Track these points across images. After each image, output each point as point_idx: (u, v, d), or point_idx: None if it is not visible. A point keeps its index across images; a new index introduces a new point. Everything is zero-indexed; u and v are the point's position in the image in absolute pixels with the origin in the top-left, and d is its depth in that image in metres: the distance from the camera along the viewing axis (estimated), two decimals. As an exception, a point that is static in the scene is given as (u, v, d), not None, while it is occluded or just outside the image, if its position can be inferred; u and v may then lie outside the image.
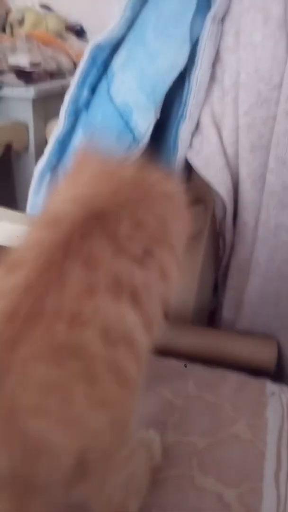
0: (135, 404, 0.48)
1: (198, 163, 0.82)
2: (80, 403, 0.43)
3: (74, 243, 0.46)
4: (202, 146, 0.82)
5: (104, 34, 0.79)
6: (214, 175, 0.82)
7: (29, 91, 1.41)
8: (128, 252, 0.50)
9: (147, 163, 0.61)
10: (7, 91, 1.42)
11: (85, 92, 0.81)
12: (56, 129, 0.83)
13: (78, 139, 0.82)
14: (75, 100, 0.82)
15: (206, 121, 0.83)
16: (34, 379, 0.41)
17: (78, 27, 2.05)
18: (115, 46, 0.80)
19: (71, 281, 0.45)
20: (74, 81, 0.81)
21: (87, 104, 0.84)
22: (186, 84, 0.81)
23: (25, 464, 0.41)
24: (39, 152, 1.49)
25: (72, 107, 0.82)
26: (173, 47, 0.78)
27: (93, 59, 0.79)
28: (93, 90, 0.84)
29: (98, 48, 0.79)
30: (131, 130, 0.78)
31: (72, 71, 1.65)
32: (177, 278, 0.57)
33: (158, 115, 0.79)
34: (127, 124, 0.78)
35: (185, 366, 0.52)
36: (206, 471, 0.64)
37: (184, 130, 0.81)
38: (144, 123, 0.78)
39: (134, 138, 0.78)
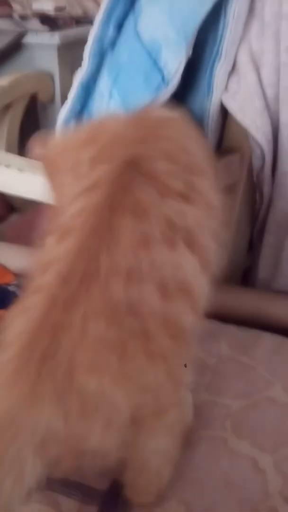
0: (190, 354, 0.48)
1: (234, 106, 0.75)
2: (137, 359, 0.43)
3: (117, 197, 0.46)
4: (239, 87, 0.75)
5: None
6: (252, 119, 0.75)
7: (54, 37, 1.33)
8: (173, 189, 0.49)
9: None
10: (31, 38, 1.35)
11: (111, 30, 0.74)
12: (79, 72, 0.76)
13: (104, 82, 0.76)
14: (100, 39, 0.75)
15: (243, 59, 0.75)
16: (92, 338, 0.41)
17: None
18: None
19: (123, 236, 0.44)
20: (98, 18, 0.74)
21: (113, 43, 0.77)
22: (222, 19, 0.73)
23: (81, 421, 0.41)
24: (64, 102, 1.44)
25: (97, 46, 0.75)
26: None
27: (118, -7, 0.72)
28: (120, 27, 0.76)
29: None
30: (160, 70, 0.71)
31: (99, 17, 1.57)
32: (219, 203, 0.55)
33: (190, 53, 0.71)
34: (155, 63, 0.71)
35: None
36: (240, 435, 0.61)
37: (219, 69, 0.73)
38: (174, 61, 0.71)
39: (163, 78, 0.71)
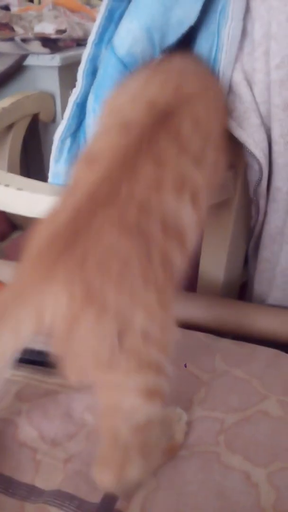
0: (172, 300, 0.54)
1: (231, 123, 0.76)
2: (135, 278, 0.50)
3: (144, 145, 0.54)
4: (234, 105, 0.76)
5: (122, -15, 0.74)
6: (249, 135, 0.76)
7: (55, 59, 1.36)
8: (189, 151, 0.58)
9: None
10: (32, 60, 1.38)
11: (103, 50, 0.76)
12: (74, 92, 0.78)
13: (90, 99, 0.77)
14: (92, 58, 0.77)
15: (237, 78, 0.76)
16: (105, 242, 0.49)
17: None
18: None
19: (142, 175, 0.53)
20: (90, 39, 0.76)
21: (105, 62, 0.79)
22: (215, 41, 0.75)
23: (81, 306, 0.47)
24: (66, 123, 1.46)
25: (90, 66, 0.77)
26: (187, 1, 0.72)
27: (110, 13, 0.74)
28: (113, 48, 0.78)
29: (115, 0, 0.73)
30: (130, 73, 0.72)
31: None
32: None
33: None
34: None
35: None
36: (234, 449, 0.61)
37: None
38: None
39: None
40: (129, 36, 0.72)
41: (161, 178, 0.54)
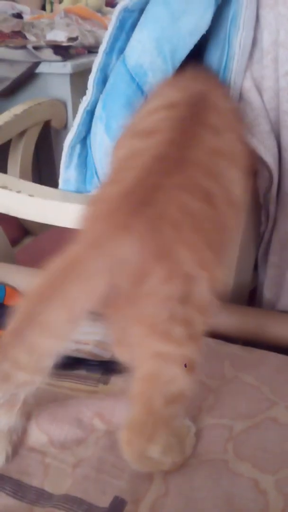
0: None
1: None
2: (207, 240, 0.51)
3: (198, 116, 0.57)
4: (245, 112, 0.77)
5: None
6: (260, 141, 0.76)
7: (66, 66, 1.38)
8: (233, 128, 0.62)
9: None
10: (44, 67, 1.40)
11: (114, 59, 0.77)
12: (84, 99, 0.79)
13: (98, 107, 0.78)
14: (103, 67, 0.78)
15: (247, 85, 0.77)
16: (178, 201, 0.49)
17: (118, 2, 2.00)
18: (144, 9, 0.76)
19: (205, 143, 0.54)
20: (101, 48, 0.77)
21: (115, 71, 0.80)
22: (226, 50, 0.76)
23: (153, 262, 0.46)
24: (77, 129, 1.48)
25: (101, 75, 0.78)
26: (196, 9, 0.72)
27: (121, 23, 0.75)
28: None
29: (126, 11, 0.74)
30: (143, 95, 0.73)
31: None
32: None
33: None
34: (138, 87, 0.73)
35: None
36: (242, 456, 0.60)
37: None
38: None
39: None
40: (138, 46, 0.73)
41: (220, 148, 0.56)
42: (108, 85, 0.76)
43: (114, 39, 0.76)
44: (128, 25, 0.75)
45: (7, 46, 1.45)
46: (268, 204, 0.83)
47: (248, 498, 0.56)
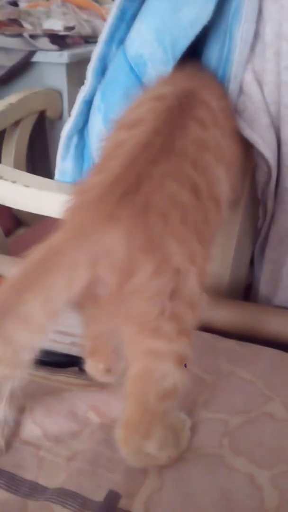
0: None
1: (242, 124, 0.76)
2: (194, 231, 0.50)
3: (185, 107, 0.56)
4: (245, 106, 0.76)
5: (133, -16, 0.73)
6: (259, 135, 0.75)
7: (63, 56, 1.36)
8: (220, 125, 0.61)
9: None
10: (40, 56, 1.38)
11: (113, 49, 0.75)
12: (82, 89, 0.78)
13: (97, 97, 0.77)
14: (103, 57, 0.76)
15: (248, 78, 0.76)
16: (166, 191, 0.48)
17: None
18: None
19: (192, 134, 0.53)
20: (101, 37, 0.76)
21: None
22: (226, 42, 0.75)
23: (139, 254, 0.44)
24: (73, 120, 1.46)
25: (99, 65, 0.77)
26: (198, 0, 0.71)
27: (121, 13, 0.74)
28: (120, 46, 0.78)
29: (127, 0, 0.73)
30: (142, 86, 0.72)
31: (108, 36, 1.59)
32: None
33: None
34: (137, 78, 0.71)
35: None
36: (238, 451, 0.60)
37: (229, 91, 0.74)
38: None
39: None
40: (138, 37, 0.72)
41: (207, 141, 0.56)
42: (107, 75, 0.75)
43: (114, 29, 0.75)
44: (129, 15, 0.74)
45: (2, 34, 1.43)
46: (266, 199, 0.82)
47: (244, 494, 0.56)
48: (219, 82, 0.74)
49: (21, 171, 0.87)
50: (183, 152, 0.52)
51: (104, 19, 1.71)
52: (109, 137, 0.59)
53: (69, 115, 1.44)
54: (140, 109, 0.59)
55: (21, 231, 1.37)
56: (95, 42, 1.53)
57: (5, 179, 0.85)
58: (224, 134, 0.63)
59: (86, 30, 1.53)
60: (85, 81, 0.78)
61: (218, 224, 0.58)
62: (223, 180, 0.57)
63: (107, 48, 0.76)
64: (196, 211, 0.51)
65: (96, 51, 0.76)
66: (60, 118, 1.45)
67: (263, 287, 0.89)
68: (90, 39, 1.53)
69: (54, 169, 1.53)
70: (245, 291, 0.95)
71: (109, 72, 0.75)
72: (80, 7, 1.70)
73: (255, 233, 0.91)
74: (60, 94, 1.43)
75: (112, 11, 0.74)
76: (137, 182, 0.46)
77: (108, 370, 0.62)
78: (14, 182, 0.85)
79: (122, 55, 0.72)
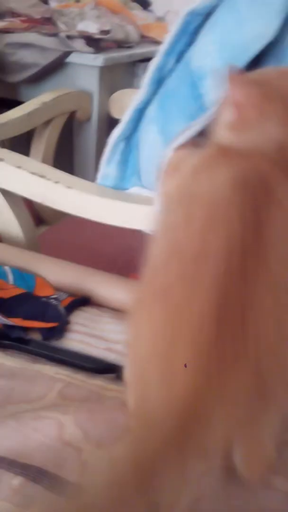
0: None
1: None
2: None
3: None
4: None
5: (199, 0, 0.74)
6: None
7: (97, 59, 1.37)
8: None
9: None
10: (75, 57, 1.39)
11: (171, 61, 0.76)
12: (136, 97, 0.79)
13: (153, 108, 0.78)
14: (161, 68, 0.77)
15: None
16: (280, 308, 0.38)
17: (146, -1, 2.00)
18: (209, 15, 0.75)
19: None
20: (162, 48, 0.76)
21: (171, 72, 0.79)
22: (286, 59, 0.75)
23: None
24: (100, 123, 1.47)
25: (156, 75, 0.78)
26: (265, 16, 0.72)
27: (185, 26, 0.74)
28: (179, 58, 0.79)
29: (192, 14, 0.74)
30: (199, 97, 0.72)
31: (138, 42, 1.60)
32: None
33: None
34: (196, 89, 0.72)
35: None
36: (275, 470, 0.61)
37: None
38: (217, 90, 0.72)
39: (201, 106, 0.72)
40: (201, 49, 0.73)
41: None
42: (166, 87, 0.76)
43: (176, 40, 0.76)
44: (192, 28, 0.75)
45: (38, 32, 1.43)
46: None
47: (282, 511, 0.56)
48: None
49: (63, 172, 0.87)
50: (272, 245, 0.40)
51: (135, 24, 1.72)
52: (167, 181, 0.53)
53: (98, 117, 1.46)
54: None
55: (42, 230, 1.37)
56: (128, 47, 1.55)
57: (48, 179, 0.85)
58: None
59: (120, 35, 1.54)
60: (140, 90, 0.79)
61: None
62: None
63: (166, 58, 0.77)
64: None
65: (155, 61, 0.77)
66: (88, 120, 1.46)
67: None
68: (123, 45, 1.54)
69: (77, 170, 1.54)
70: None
71: (169, 84, 0.75)
72: (113, 11, 1.71)
73: None
74: (90, 96, 1.43)
75: (176, 24, 0.75)
76: (242, 319, 0.37)
77: None
78: (57, 182, 0.85)
79: (185, 67, 0.73)
